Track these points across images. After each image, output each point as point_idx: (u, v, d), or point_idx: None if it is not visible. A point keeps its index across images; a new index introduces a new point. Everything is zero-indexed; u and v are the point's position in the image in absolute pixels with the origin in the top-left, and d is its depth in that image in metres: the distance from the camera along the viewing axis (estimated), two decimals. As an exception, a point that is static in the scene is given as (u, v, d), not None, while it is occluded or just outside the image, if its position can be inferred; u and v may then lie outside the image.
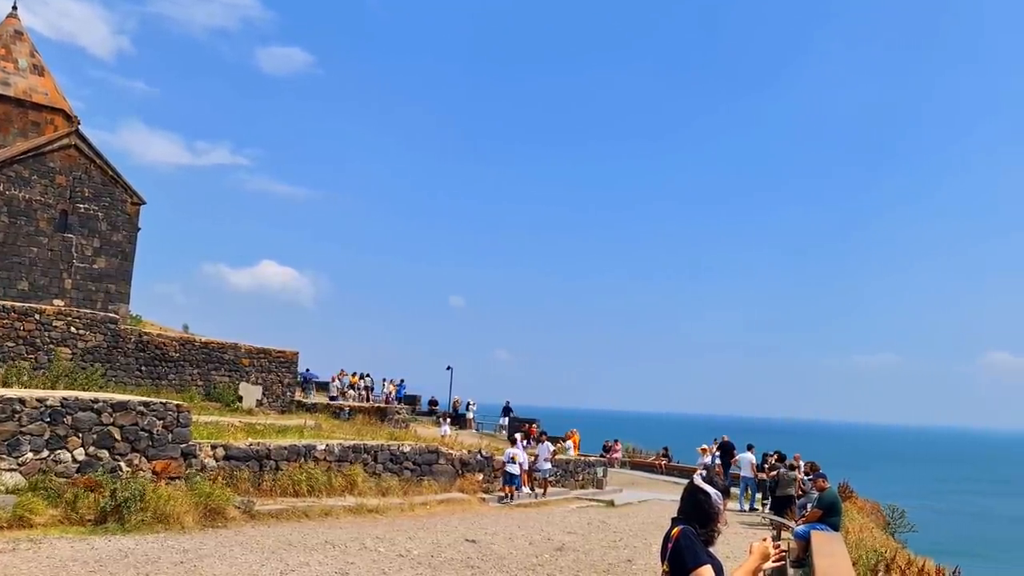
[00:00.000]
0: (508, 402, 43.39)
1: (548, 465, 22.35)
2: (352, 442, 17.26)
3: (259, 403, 28.69)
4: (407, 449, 18.14)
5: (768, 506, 21.03)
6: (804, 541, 12.63)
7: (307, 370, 38.36)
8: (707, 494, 4.06)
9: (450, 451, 19.59)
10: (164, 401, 13.63)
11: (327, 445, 16.34)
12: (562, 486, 23.78)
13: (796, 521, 15.40)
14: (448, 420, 38.30)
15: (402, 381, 43.93)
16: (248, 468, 14.58)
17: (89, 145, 30.69)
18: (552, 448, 23.81)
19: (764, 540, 4.13)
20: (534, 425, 32.96)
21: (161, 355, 27.31)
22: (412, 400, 44.61)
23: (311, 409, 30.81)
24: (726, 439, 28.69)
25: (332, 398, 36.92)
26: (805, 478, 18.69)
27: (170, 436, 13.22)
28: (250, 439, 15.66)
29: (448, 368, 47.84)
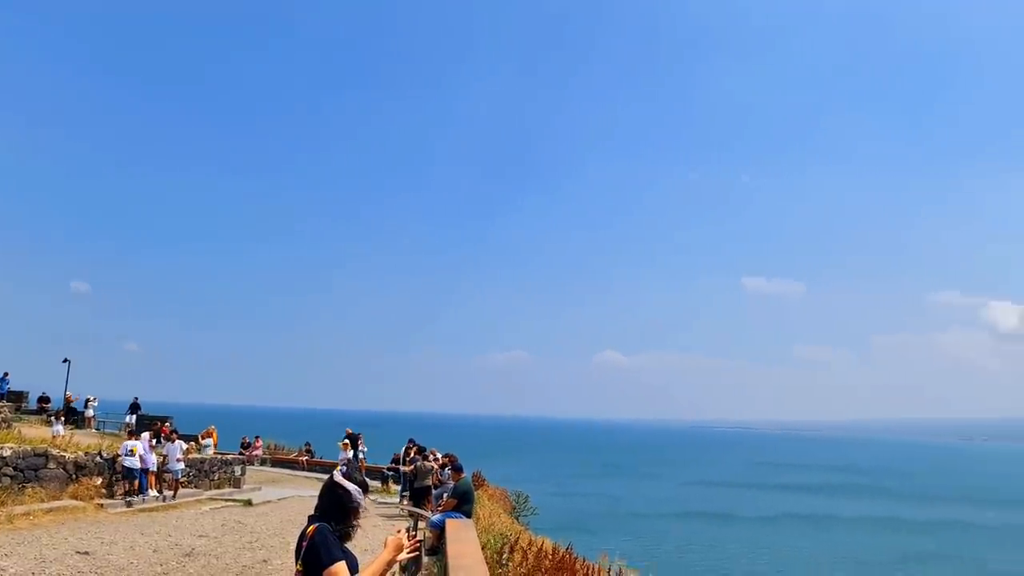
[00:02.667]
0: (136, 399, 39.86)
1: (180, 465, 20.85)
2: (-67, 446, 14.57)
3: None
4: (7, 453, 15.73)
5: (407, 498, 21.62)
6: (439, 529, 13.13)
7: None
8: (346, 490, 4.04)
9: (63, 453, 17.36)
10: None
11: None
12: (195, 487, 22.32)
13: (433, 511, 15.97)
14: (62, 419, 34.12)
15: (5, 375, 38.24)
16: None
17: None
18: (185, 447, 22.26)
19: (398, 532, 4.19)
20: (166, 424, 30.56)
21: None
22: (18, 397, 39.01)
23: None
24: (350, 432, 29.35)
25: None
26: (443, 470, 19.48)
27: None
28: None
29: (65, 361, 42.60)
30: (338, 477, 4.10)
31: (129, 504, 18.20)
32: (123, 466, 18.61)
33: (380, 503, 22.39)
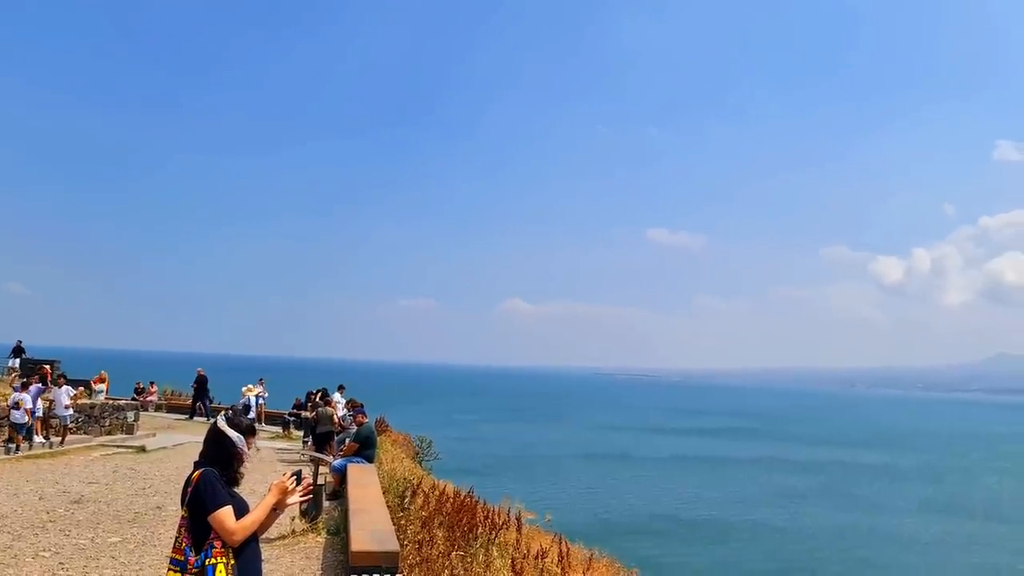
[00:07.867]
0: (20, 341, 37.83)
1: (68, 411, 20.04)
2: None
3: None
4: None
5: (310, 442, 21.43)
6: (340, 474, 13.10)
7: None
8: (228, 436, 4.01)
9: (-62, 399, 16.43)
10: None
11: None
12: (85, 433, 21.55)
13: (335, 456, 15.89)
14: (-62, 363, 32.27)
15: None
16: None
17: None
18: (73, 392, 21.39)
19: (284, 476, 4.12)
20: (46, 367, 29.15)
21: None
22: None
23: None
24: (201, 372, 28.93)
25: None
26: (347, 414, 19.32)
27: None
28: None
29: (-57, 301, 40.15)
30: (221, 423, 4.08)
31: (14, 451, 17.43)
32: (11, 422, 17.73)
33: (280, 449, 22.12)
